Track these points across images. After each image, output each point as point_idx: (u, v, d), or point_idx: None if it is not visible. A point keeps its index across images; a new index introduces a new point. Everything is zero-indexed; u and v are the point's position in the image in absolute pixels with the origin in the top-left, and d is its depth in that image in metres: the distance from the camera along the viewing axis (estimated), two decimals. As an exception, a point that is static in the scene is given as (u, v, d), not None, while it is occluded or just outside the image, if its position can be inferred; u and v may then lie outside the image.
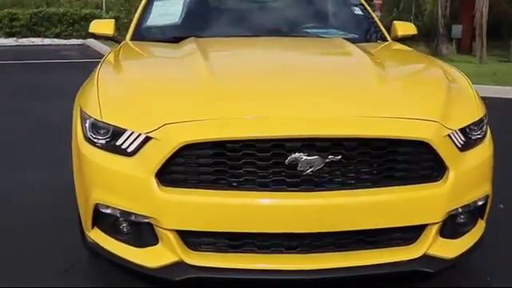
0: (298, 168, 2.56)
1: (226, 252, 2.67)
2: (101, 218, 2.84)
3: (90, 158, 2.81)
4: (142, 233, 2.74)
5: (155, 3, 4.44)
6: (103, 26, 4.39)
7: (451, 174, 2.71)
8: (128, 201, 2.69)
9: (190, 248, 2.66)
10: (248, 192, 2.58)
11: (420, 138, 2.65)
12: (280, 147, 2.56)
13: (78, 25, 18.29)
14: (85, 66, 9.21)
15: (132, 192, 2.67)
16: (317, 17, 4.60)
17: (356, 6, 4.63)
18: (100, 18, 16.33)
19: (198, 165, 2.60)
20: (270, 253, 2.66)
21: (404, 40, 4.40)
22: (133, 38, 4.15)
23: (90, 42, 16.51)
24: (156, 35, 4.21)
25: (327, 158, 2.56)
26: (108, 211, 2.78)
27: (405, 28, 4.50)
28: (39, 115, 7.12)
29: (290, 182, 2.59)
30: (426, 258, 2.74)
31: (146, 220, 2.68)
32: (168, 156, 2.56)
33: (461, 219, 2.89)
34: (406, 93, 3.10)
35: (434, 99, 2.92)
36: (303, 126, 2.60)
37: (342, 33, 4.30)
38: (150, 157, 2.62)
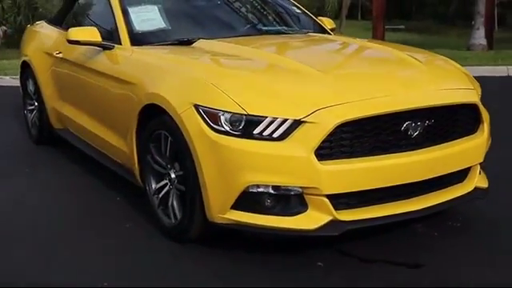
0: (409, 133, 3.21)
1: (367, 206, 3.19)
2: (247, 198, 3.10)
3: (236, 147, 3.07)
4: (291, 203, 3.11)
5: (130, 9, 4.49)
6: (87, 33, 4.32)
7: (485, 126, 3.59)
8: (284, 177, 3.05)
9: (338, 208, 3.11)
10: (381, 156, 3.15)
11: (472, 101, 3.50)
12: (398, 118, 3.18)
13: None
14: None
15: (289, 169, 3.04)
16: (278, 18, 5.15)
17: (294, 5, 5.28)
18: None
19: (346, 139, 3.08)
20: (396, 200, 3.25)
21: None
22: (132, 44, 4.20)
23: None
24: (157, 39, 4.29)
25: (425, 123, 3.25)
26: (260, 190, 3.08)
27: (329, 23, 5.26)
28: None
29: (405, 144, 3.22)
30: (476, 189, 3.58)
31: (299, 191, 3.06)
32: (325, 135, 3.00)
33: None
34: (444, 71, 3.89)
35: (460, 75, 3.78)
36: (412, 101, 3.26)
37: (297, 28, 4.92)
38: (305, 138, 3.02)
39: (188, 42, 4.20)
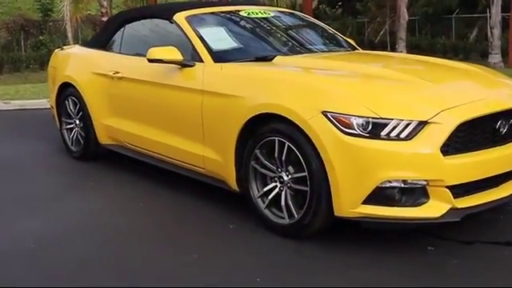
0: (500, 130, 3.62)
1: (476, 193, 3.54)
2: (379, 193, 3.39)
3: (370, 147, 3.36)
4: (415, 195, 3.43)
5: (201, 31, 4.69)
6: (168, 52, 4.47)
7: None
8: (412, 172, 3.37)
9: (456, 197, 3.45)
10: (487, 149, 3.55)
11: None
12: (496, 117, 3.59)
13: None
14: None
15: (417, 165, 3.37)
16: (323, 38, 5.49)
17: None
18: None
19: (460, 136, 3.45)
20: (493, 187, 3.63)
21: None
22: (214, 61, 4.40)
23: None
24: (235, 57, 4.50)
25: (510, 121, 3.68)
26: (391, 185, 3.37)
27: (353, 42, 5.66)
28: None
29: (498, 139, 3.64)
30: None
31: (423, 184, 3.38)
32: (450, 133, 3.35)
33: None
34: (499, 77, 4.34)
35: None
36: (502, 103, 3.71)
37: (345, 46, 5.29)
38: (432, 137, 3.36)
39: (265, 59, 4.43)
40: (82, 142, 5.82)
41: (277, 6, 14.69)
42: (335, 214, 3.53)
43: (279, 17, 5.39)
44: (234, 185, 4.16)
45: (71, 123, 5.97)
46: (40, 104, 9.61)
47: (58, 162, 5.91)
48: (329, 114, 3.48)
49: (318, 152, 3.52)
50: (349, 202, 3.46)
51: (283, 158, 3.76)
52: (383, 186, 3.38)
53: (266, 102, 3.82)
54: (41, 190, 4.97)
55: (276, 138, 3.77)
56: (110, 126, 5.44)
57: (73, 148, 5.98)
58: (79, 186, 5.11)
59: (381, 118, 3.39)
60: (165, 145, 4.76)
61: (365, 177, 3.39)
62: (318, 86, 3.74)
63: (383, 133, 3.39)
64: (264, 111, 3.81)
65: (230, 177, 4.15)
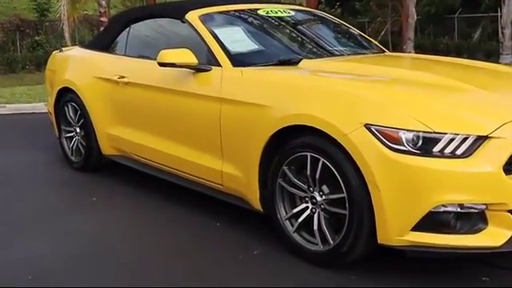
0: None
1: None
2: (431, 218, 2.91)
3: (421, 166, 2.89)
4: (472, 221, 2.95)
5: (216, 31, 4.21)
6: (182, 55, 3.98)
7: None
8: (470, 194, 2.89)
9: None
10: None
11: None
12: None
13: None
14: None
15: (476, 186, 2.89)
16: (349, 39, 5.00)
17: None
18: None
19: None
20: None
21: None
22: (234, 65, 3.92)
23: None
24: (256, 60, 4.02)
25: None
26: (446, 209, 2.89)
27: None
28: None
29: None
30: None
31: (482, 208, 2.91)
32: None
33: None
34: None
35: None
36: None
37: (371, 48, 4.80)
38: (492, 153, 2.88)
39: (290, 63, 3.95)
40: (83, 152, 5.33)
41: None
42: (379, 241, 3.05)
43: (300, 16, 4.90)
44: (256, 204, 3.68)
45: (71, 131, 5.48)
46: (37, 108, 9.18)
47: (56, 174, 5.42)
48: (373, 128, 3.00)
49: (359, 170, 3.04)
50: (396, 229, 2.98)
51: (317, 176, 3.28)
52: (437, 210, 2.90)
53: (296, 112, 3.34)
54: (38, 208, 4.46)
55: (308, 154, 3.29)
56: (115, 136, 4.95)
57: (73, 158, 5.49)
58: (81, 202, 4.61)
59: (434, 132, 2.91)
60: (177, 158, 4.27)
61: (416, 200, 2.91)
62: (358, 95, 3.24)
63: (436, 149, 2.91)
64: (294, 123, 3.32)
65: (253, 195, 3.67)
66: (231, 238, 3.79)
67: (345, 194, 3.14)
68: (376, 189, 2.98)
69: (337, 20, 5.19)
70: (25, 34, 21.15)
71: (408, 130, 2.93)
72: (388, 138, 2.96)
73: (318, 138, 3.22)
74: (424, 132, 2.91)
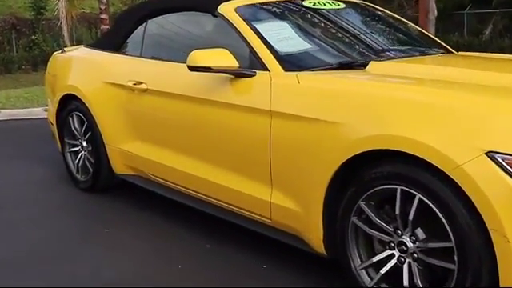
0: None
1: None
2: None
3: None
4: None
5: (258, 27, 3.38)
6: (219, 56, 3.15)
7: None
8: None
9: None
10: None
11: None
12: None
13: None
14: None
15: None
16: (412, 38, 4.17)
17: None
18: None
19: None
20: None
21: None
22: (285, 70, 3.11)
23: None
24: (311, 63, 3.21)
25: None
26: None
27: None
28: None
29: None
30: None
31: None
32: None
33: None
34: None
35: None
36: None
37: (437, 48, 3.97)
38: None
39: (355, 66, 3.15)
40: (90, 169, 4.50)
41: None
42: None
43: (352, 9, 4.04)
44: (318, 246, 2.87)
45: (76, 145, 4.65)
46: (34, 114, 8.35)
47: (59, 196, 4.58)
48: (498, 157, 2.18)
49: (476, 212, 2.23)
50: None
51: (410, 217, 2.46)
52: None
53: (381, 132, 2.51)
54: (39, 244, 3.62)
55: (398, 187, 2.47)
56: (130, 153, 4.12)
57: (79, 177, 4.65)
58: (91, 234, 3.78)
59: None
60: (209, 182, 3.45)
61: None
62: (473, 112, 2.40)
63: None
64: (378, 147, 2.50)
65: (314, 234, 2.85)
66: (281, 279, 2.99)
67: (453, 244, 2.32)
68: (503, 239, 2.17)
69: (393, 14, 4.34)
70: (21, 33, 20.27)
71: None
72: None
73: (414, 167, 2.40)
74: None
